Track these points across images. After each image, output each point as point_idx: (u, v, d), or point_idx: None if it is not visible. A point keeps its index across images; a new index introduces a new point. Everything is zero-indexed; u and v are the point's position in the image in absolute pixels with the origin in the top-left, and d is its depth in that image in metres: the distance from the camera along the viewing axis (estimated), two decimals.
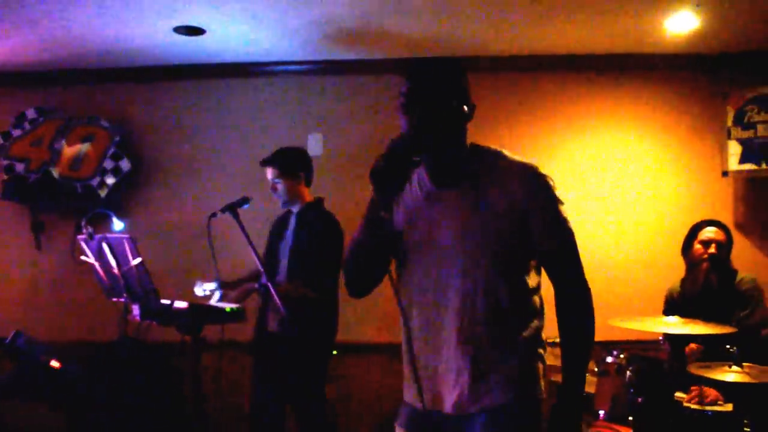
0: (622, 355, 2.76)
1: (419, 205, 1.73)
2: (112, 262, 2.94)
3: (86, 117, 4.35)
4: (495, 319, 1.62)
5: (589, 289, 1.67)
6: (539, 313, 1.71)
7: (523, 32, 3.83)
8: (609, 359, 2.78)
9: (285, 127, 4.34)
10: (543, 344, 1.72)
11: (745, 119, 4.02)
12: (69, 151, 4.28)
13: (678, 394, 2.71)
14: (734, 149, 4.04)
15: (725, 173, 4.06)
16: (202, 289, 3.14)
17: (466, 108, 1.68)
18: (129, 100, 4.44)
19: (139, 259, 2.81)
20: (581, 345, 1.66)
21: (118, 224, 3.33)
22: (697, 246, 3.36)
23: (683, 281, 3.45)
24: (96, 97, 4.43)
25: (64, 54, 4.05)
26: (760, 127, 3.97)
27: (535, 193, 1.65)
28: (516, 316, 1.65)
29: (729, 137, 4.05)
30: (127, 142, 4.36)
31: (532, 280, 1.70)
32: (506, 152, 1.72)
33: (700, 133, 4.20)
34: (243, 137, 4.37)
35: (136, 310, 3.02)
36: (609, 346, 2.90)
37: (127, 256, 2.86)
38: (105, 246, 2.94)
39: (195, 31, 3.67)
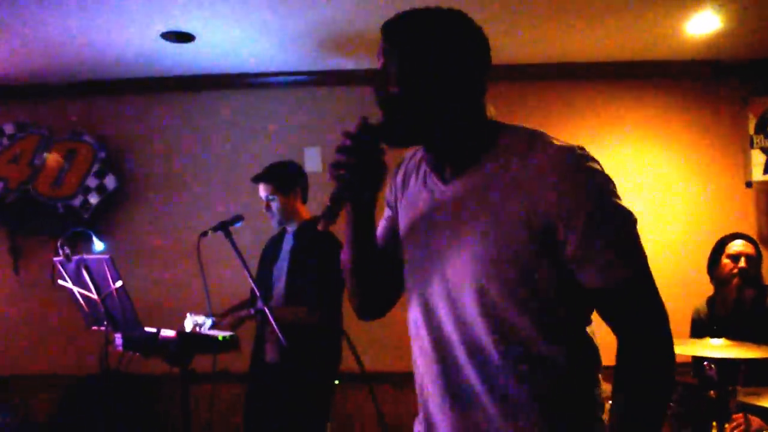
0: None
1: (421, 204, 1.29)
2: (91, 286, 2.67)
3: (68, 132, 4.14)
4: (525, 378, 1.15)
5: (672, 350, 1.15)
6: (593, 359, 1.22)
7: (535, 40, 3.68)
8: None
9: (281, 141, 4.13)
10: (602, 405, 1.23)
11: None
12: (50, 168, 4.07)
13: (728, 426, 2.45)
14: (758, 159, 3.91)
15: (749, 184, 3.92)
16: (192, 321, 2.89)
17: (475, 73, 1.20)
18: (114, 114, 4.23)
19: (120, 282, 2.54)
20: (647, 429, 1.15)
21: (98, 244, 3.07)
22: (725, 261, 3.15)
23: (710, 300, 3.23)
24: (79, 110, 4.21)
25: (44, 65, 3.83)
26: None
27: (575, 197, 1.10)
28: (558, 372, 1.16)
29: (752, 146, 3.92)
30: (112, 159, 4.14)
31: (578, 312, 1.21)
32: (543, 134, 1.19)
33: (721, 142, 4.05)
34: (236, 152, 4.17)
35: (118, 339, 2.77)
36: None
37: (107, 279, 2.59)
38: (83, 269, 2.67)
39: (184, 37, 3.46)
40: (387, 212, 1.43)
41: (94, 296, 2.69)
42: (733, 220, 3.84)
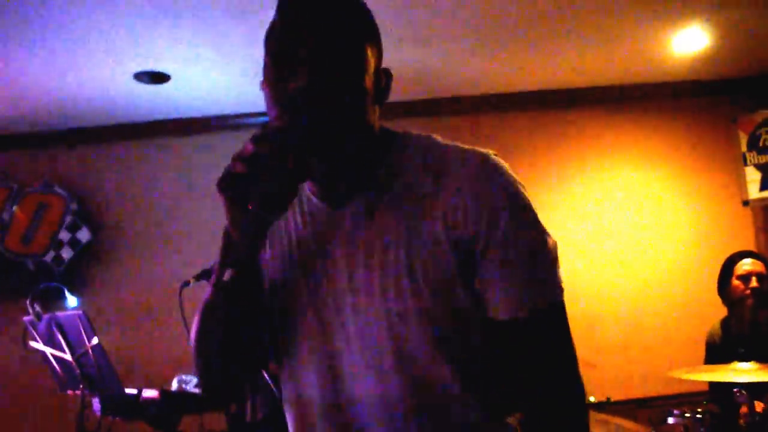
0: (687, 414, 2.31)
1: (301, 238, 1.05)
2: (64, 345, 2.47)
3: (38, 184, 3.96)
4: None
5: (583, 403, 1.01)
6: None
7: (520, 67, 3.61)
8: (671, 420, 2.33)
9: None
10: None
11: (760, 143, 3.85)
12: (19, 223, 3.88)
13: None
14: (752, 176, 3.88)
15: (746, 202, 3.87)
16: (177, 379, 2.70)
17: (377, 72, 1.01)
18: (86, 163, 4.06)
19: (95, 340, 2.34)
20: None
21: (71, 300, 2.88)
22: (736, 282, 3.06)
23: (724, 322, 3.12)
24: (49, 161, 4.04)
25: (8, 113, 3.66)
26: None
27: (486, 209, 0.94)
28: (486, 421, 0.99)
29: (745, 163, 3.88)
30: (85, 211, 3.96)
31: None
32: (440, 139, 1.03)
33: (714, 161, 4.01)
34: (217, 198, 3.98)
35: (96, 403, 2.56)
36: (659, 401, 2.51)
37: (81, 337, 2.39)
38: (55, 327, 2.46)
39: (158, 77, 3.32)
40: None
41: (68, 357, 2.48)
42: (732, 239, 3.77)
